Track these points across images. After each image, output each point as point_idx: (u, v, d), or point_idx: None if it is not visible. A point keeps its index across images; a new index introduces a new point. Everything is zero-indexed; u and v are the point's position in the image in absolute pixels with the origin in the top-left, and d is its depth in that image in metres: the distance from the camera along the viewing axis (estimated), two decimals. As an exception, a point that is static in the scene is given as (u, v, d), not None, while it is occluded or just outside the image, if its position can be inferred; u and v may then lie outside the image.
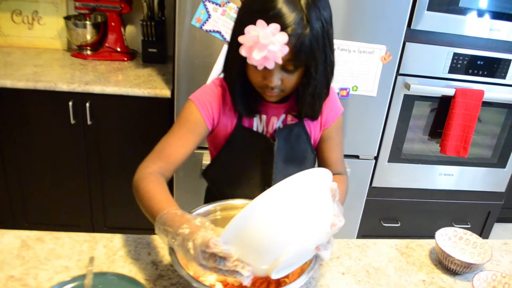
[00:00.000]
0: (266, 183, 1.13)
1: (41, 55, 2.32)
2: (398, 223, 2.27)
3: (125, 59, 2.34)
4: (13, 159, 2.08)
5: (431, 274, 1.10)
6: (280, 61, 0.86)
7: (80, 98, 1.97)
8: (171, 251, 0.85)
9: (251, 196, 1.10)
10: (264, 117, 1.11)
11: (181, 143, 1.03)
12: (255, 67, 0.89)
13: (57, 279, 0.92)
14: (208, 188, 1.33)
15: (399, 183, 2.18)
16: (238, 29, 0.90)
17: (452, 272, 1.12)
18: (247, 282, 0.74)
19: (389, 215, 2.27)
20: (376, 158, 2.09)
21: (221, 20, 1.75)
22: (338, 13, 1.74)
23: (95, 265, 0.97)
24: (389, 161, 2.11)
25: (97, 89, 1.95)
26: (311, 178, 0.78)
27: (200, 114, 1.05)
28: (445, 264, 1.12)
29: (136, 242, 1.06)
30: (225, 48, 1.78)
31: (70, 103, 1.96)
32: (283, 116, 1.12)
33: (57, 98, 1.96)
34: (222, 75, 1.09)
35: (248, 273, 0.73)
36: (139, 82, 2.05)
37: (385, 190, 2.19)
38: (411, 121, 2.05)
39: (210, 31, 1.76)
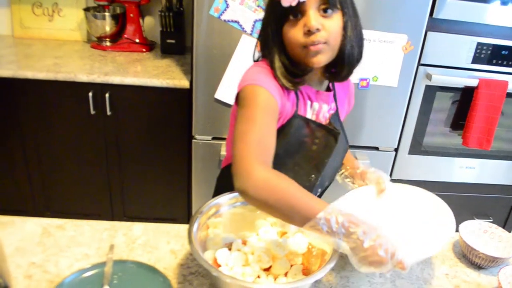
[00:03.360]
0: (314, 171, 1.11)
1: (61, 46, 2.34)
2: (418, 217, 2.24)
3: (144, 50, 2.35)
4: (34, 148, 2.11)
5: (455, 268, 1.08)
6: None
7: (99, 88, 1.99)
8: (191, 240, 0.84)
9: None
10: (316, 105, 1.10)
11: (273, 133, 0.96)
12: (292, 24, 0.95)
13: (77, 266, 0.93)
14: (220, 176, 1.32)
15: (420, 175, 2.15)
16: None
17: (477, 266, 1.09)
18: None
19: (409, 208, 2.24)
20: (396, 150, 2.06)
21: (239, 10, 1.73)
22: (358, 1, 1.70)
23: (114, 253, 0.97)
24: (409, 153, 2.08)
25: (116, 80, 1.96)
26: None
27: (276, 101, 0.99)
28: (469, 258, 1.10)
29: (155, 231, 1.06)
30: (243, 38, 1.77)
31: (90, 94, 1.98)
32: (328, 106, 1.12)
33: (77, 88, 1.98)
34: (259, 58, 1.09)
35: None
36: (157, 73, 2.05)
37: (405, 182, 2.13)
38: (433, 113, 2.01)
39: (228, 20, 1.75)
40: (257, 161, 0.87)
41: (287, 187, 0.84)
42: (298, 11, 0.95)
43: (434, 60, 1.90)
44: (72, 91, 1.99)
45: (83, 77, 1.95)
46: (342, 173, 1.25)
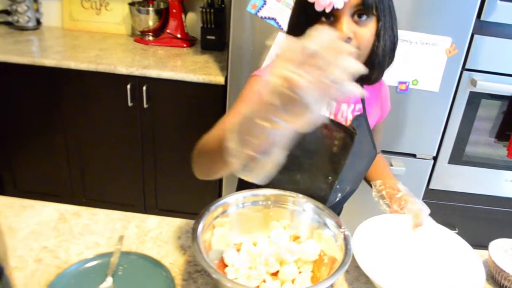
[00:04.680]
0: (332, 173, 1.07)
1: (107, 39, 2.41)
2: (455, 230, 2.12)
3: (185, 45, 2.37)
4: (75, 136, 2.19)
5: (480, 289, 1.00)
6: None
7: (137, 81, 2.03)
8: (194, 237, 0.83)
9: (312, 185, 1.06)
10: (333, 103, 1.06)
11: None
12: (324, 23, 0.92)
13: (86, 254, 0.94)
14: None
15: (460, 187, 2.03)
16: None
17: (504, 289, 1.01)
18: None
19: (447, 221, 2.13)
20: (435, 158, 1.96)
21: (276, 7, 1.71)
22: (399, 1, 1.63)
23: (124, 244, 0.98)
24: (449, 162, 1.97)
25: (153, 73, 2.00)
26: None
27: None
28: (498, 280, 1.02)
29: (168, 225, 1.06)
30: (279, 35, 1.74)
31: (128, 86, 2.02)
32: (352, 106, 1.08)
33: (116, 80, 2.03)
34: None
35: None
36: (194, 68, 2.06)
37: (443, 193, 2.05)
38: (477, 121, 1.90)
39: (265, 17, 1.73)
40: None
41: (208, 135, 0.86)
42: (331, 14, 0.92)
43: (480, 65, 1.79)
44: (111, 83, 2.04)
45: (122, 69, 2.00)
46: (379, 192, 1.17)
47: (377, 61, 0.97)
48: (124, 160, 2.23)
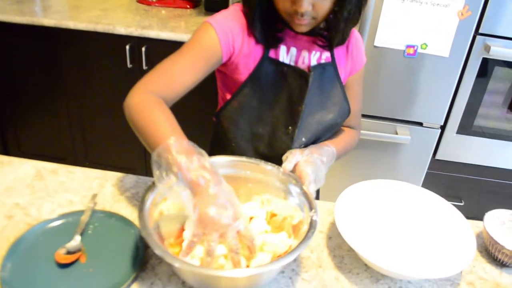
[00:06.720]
0: (291, 122, 1.02)
1: (109, 0, 2.35)
2: (461, 202, 2.05)
3: (188, 6, 2.30)
4: (76, 99, 2.16)
5: (472, 262, 0.95)
6: None
7: (136, 42, 1.97)
8: (141, 209, 0.77)
9: (273, 138, 1.01)
10: (293, 50, 1.00)
11: (192, 70, 0.93)
12: None
13: (59, 211, 0.91)
14: (213, 135, 1.21)
15: (468, 158, 1.95)
16: None
17: (499, 263, 0.95)
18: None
19: (452, 192, 2.05)
20: (442, 127, 1.88)
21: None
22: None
23: (99, 203, 0.95)
24: (458, 132, 1.88)
25: (152, 33, 1.94)
26: None
27: (219, 42, 0.93)
28: (492, 253, 0.96)
29: (145, 185, 1.03)
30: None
31: (127, 47, 1.97)
32: (317, 54, 1.02)
33: (115, 41, 1.97)
34: None
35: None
36: (195, 29, 1.99)
37: (450, 164, 1.97)
38: (488, 90, 1.79)
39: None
40: (146, 88, 0.88)
41: (155, 113, 0.84)
42: None
43: (494, 30, 1.67)
44: (110, 43, 1.99)
45: (121, 30, 1.94)
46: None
47: (341, 25, 0.94)
48: (125, 123, 2.18)
